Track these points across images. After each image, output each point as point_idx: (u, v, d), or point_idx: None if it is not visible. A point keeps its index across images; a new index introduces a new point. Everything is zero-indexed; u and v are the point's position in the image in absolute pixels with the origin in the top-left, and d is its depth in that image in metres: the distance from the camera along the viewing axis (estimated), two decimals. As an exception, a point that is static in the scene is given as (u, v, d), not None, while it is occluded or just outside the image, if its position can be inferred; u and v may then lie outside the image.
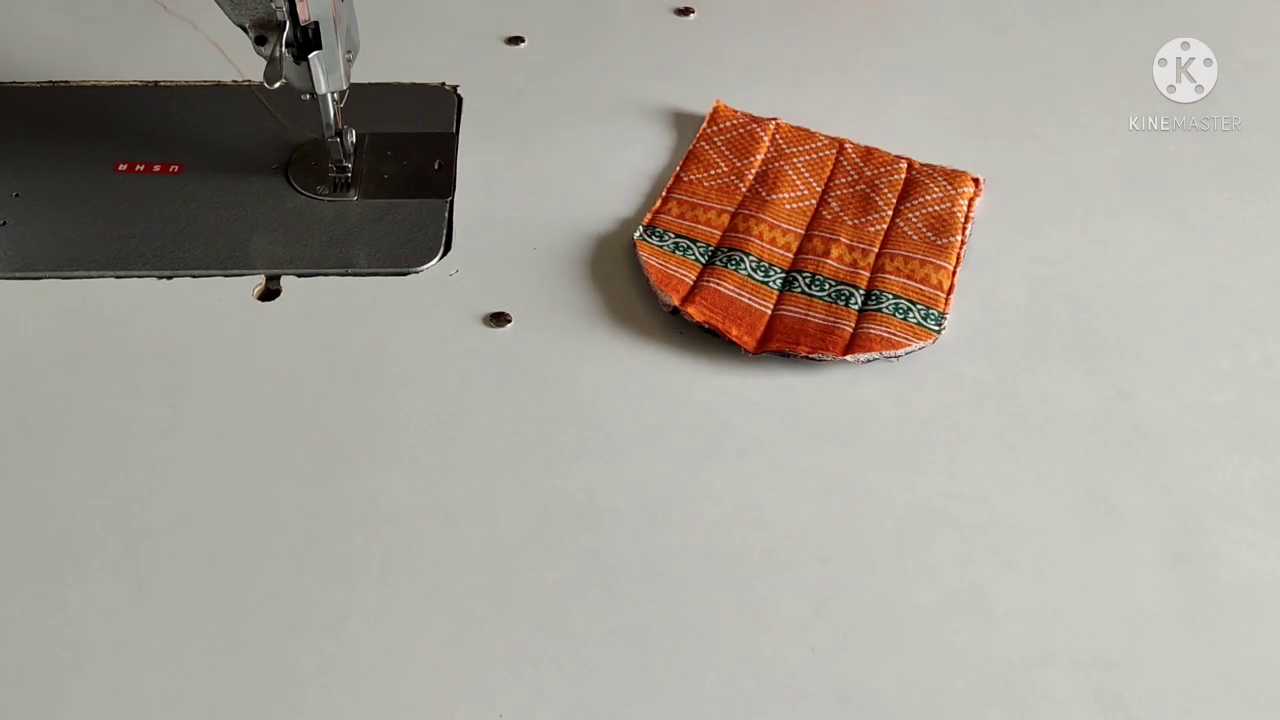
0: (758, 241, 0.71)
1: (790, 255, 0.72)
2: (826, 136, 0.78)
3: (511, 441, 0.62)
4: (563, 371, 0.65)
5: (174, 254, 0.70)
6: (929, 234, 0.72)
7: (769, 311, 0.68)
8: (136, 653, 0.53)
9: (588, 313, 0.68)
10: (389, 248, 0.71)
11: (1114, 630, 0.55)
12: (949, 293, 0.69)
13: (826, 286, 0.70)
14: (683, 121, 0.81)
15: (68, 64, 0.82)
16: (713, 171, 0.76)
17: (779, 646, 0.54)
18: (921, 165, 0.76)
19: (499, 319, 0.68)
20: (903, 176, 0.76)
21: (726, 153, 0.77)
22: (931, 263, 0.70)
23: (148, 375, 0.64)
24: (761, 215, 0.73)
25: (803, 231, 0.73)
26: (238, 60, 0.74)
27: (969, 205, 0.74)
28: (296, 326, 0.67)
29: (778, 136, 0.78)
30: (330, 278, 0.69)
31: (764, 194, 0.75)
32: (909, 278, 0.70)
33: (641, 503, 0.59)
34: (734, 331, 0.66)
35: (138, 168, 0.75)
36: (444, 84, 0.83)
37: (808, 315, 0.68)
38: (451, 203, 0.74)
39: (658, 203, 0.74)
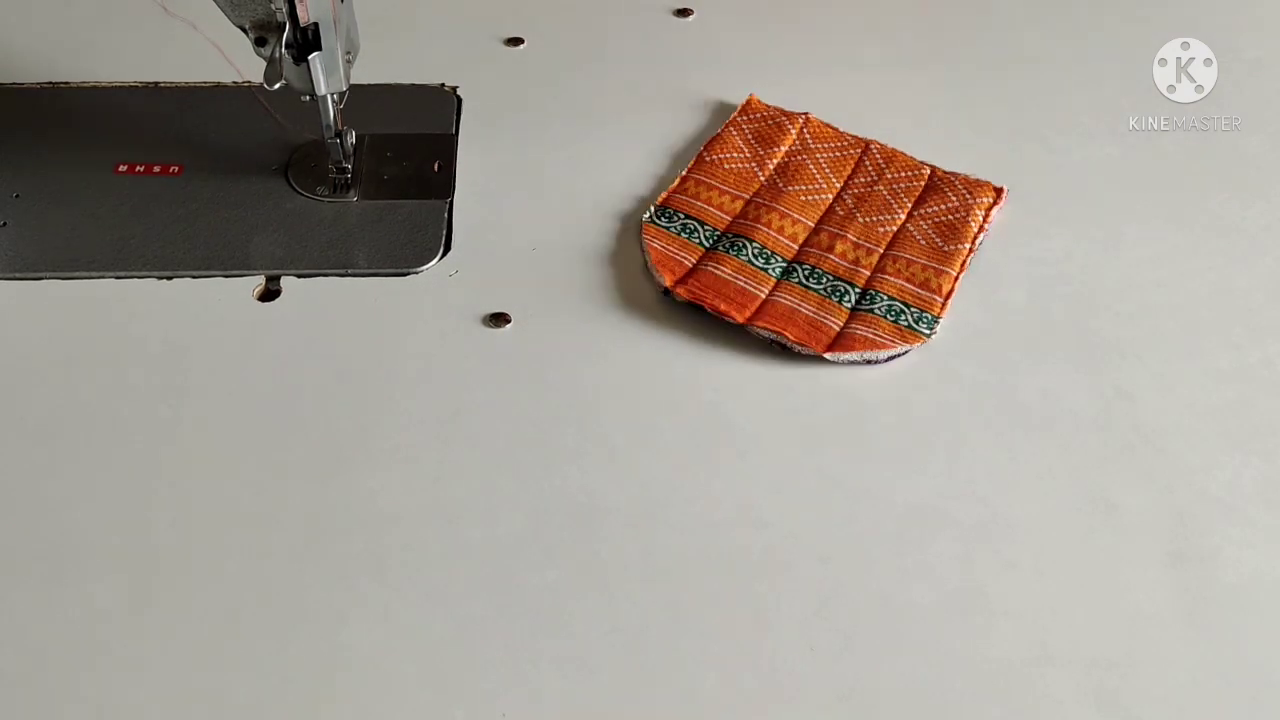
0: (765, 230, 0.72)
1: (795, 246, 0.72)
2: (854, 136, 0.79)
3: (511, 441, 0.62)
4: (562, 372, 0.65)
5: (174, 254, 0.70)
6: (937, 240, 0.72)
7: (763, 295, 0.68)
8: (136, 653, 0.53)
9: (587, 313, 0.68)
10: (389, 248, 0.71)
11: (1114, 630, 0.55)
12: (947, 297, 0.69)
13: (824, 280, 0.70)
14: (683, 122, 0.81)
15: (68, 64, 0.82)
16: (735, 156, 0.76)
17: (779, 646, 0.54)
18: (945, 173, 0.76)
19: (499, 319, 0.68)
20: (923, 183, 0.76)
21: (752, 141, 0.78)
22: (933, 267, 0.70)
23: (148, 375, 0.64)
24: (774, 204, 0.73)
25: (812, 224, 0.73)
26: (238, 61, 0.74)
27: (985, 215, 0.74)
28: (296, 327, 0.67)
29: (805, 131, 0.79)
30: (330, 278, 0.69)
31: (781, 184, 0.75)
32: (908, 280, 0.70)
33: (641, 503, 0.59)
34: (721, 306, 0.66)
35: (138, 168, 0.75)
36: (443, 85, 0.83)
37: (800, 306, 0.68)
38: (451, 203, 0.74)
39: (675, 182, 0.75)
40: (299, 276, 0.69)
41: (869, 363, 0.66)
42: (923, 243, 0.72)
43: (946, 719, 0.52)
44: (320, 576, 0.56)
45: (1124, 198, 0.77)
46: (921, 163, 0.77)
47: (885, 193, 0.75)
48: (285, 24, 0.65)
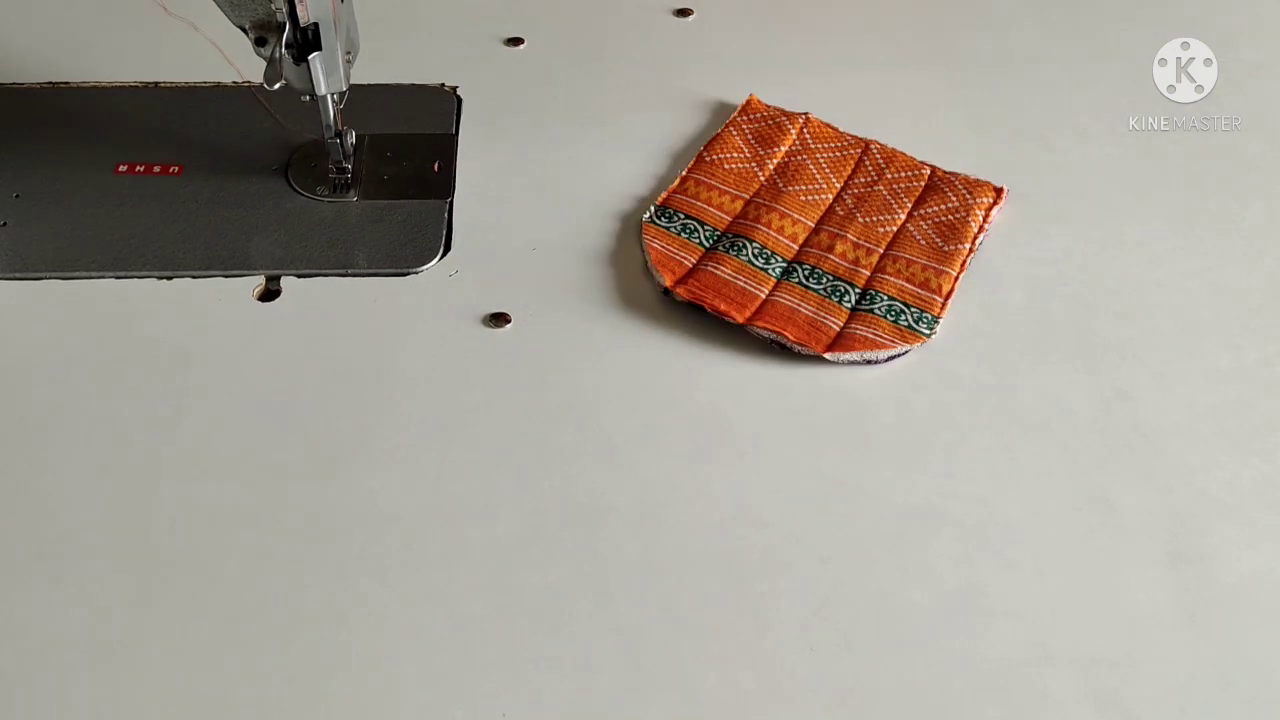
0: (765, 230, 0.72)
1: (795, 246, 0.72)
2: (854, 136, 0.79)
3: (511, 441, 0.62)
4: (562, 372, 0.65)
5: (174, 254, 0.70)
6: (937, 240, 0.72)
7: (763, 296, 0.68)
8: (137, 653, 0.53)
9: (587, 313, 0.68)
10: (389, 248, 0.71)
11: (1113, 630, 0.55)
12: (946, 297, 0.69)
13: (824, 280, 0.70)
14: (683, 122, 0.81)
15: (68, 64, 0.82)
16: (735, 155, 0.76)
17: (779, 646, 0.54)
18: (945, 173, 0.76)
19: (499, 319, 0.68)
20: (923, 183, 0.76)
21: (752, 141, 0.78)
22: (933, 268, 0.70)
23: (148, 375, 0.64)
24: (774, 204, 0.73)
25: (812, 224, 0.73)
26: (238, 61, 0.74)
27: (985, 215, 0.74)
28: (296, 327, 0.67)
29: (805, 131, 0.79)
30: (330, 278, 0.69)
31: (781, 184, 0.75)
32: (908, 280, 0.70)
33: (641, 503, 0.59)
34: (721, 306, 0.66)
35: (138, 168, 0.75)
36: (443, 85, 0.83)
37: (800, 306, 0.68)
38: (451, 203, 0.74)
39: (675, 182, 0.75)
40: (299, 276, 0.69)
41: (869, 363, 0.66)
42: (923, 243, 0.72)
43: (946, 719, 0.52)
44: (320, 577, 0.56)
45: (1124, 198, 0.77)
46: (921, 163, 0.77)
47: (885, 193, 0.75)
48: (285, 24, 0.64)
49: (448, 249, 0.72)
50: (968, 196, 0.74)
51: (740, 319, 0.67)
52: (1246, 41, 0.90)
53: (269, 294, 0.68)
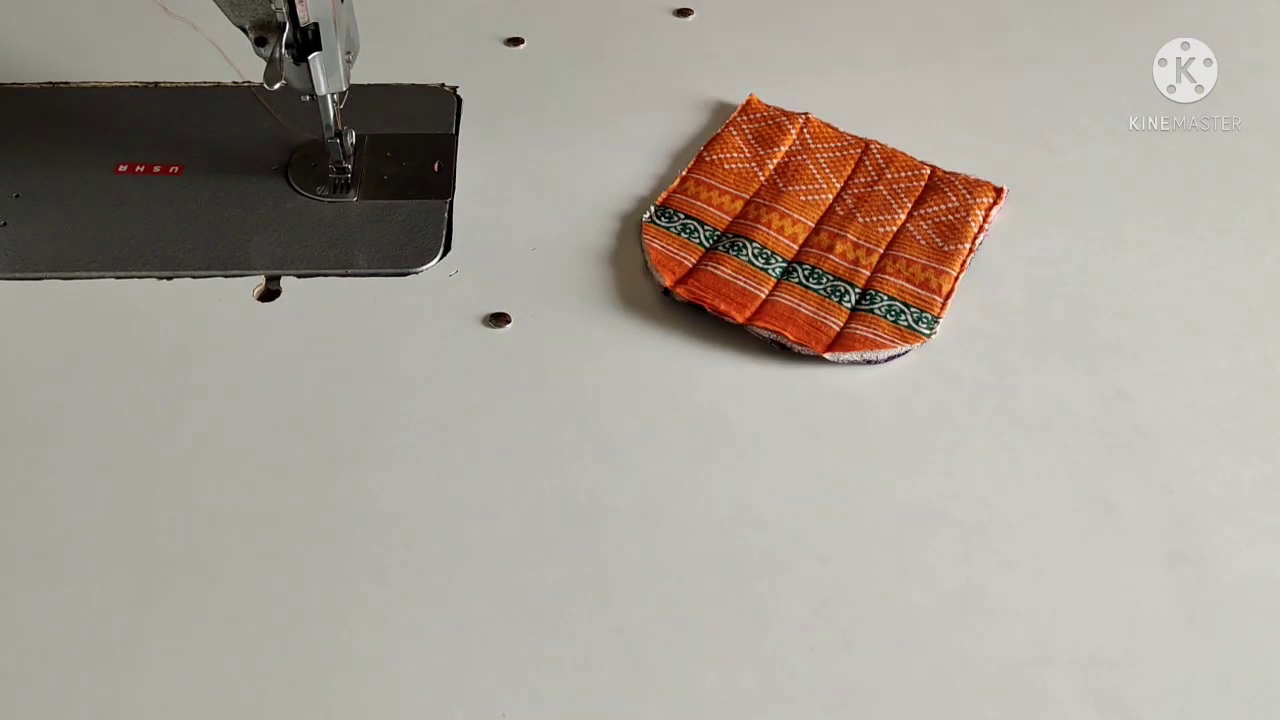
0: (765, 230, 0.72)
1: (795, 246, 0.72)
2: (854, 136, 0.79)
3: (511, 441, 0.62)
4: (562, 371, 0.65)
5: (174, 254, 0.70)
6: (937, 240, 0.72)
7: (763, 295, 0.68)
8: (137, 653, 0.53)
9: (587, 313, 0.68)
10: (389, 248, 0.71)
11: (1112, 630, 0.55)
12: (947, 297, 0.69)
13: (824, 280, 0.70)
14: (683, 122, 0.81)
15: (68, 64, 0.82)
16: (735, 155, 0.76)
17: (779, 646, 0.54)
18: (945, 173, 0.76)
19: (499, 319, 0.68)
20: (923, 183, 0.76)
21: (752, 141, 0.78)
22: (934, 268, 0.70)
23: (148, 375, 0.64)
24: (774, 204, 0.73)
25: (812, 224, 0.73)
26: (238, 61, 0.74)
27: (985, 215, 0.74)
28: (296, 327, 0.67)
29: (805, 131, 0.79)
30: (330, 278, 0.69)
31: (781, 184, 0.75)
32: (908, 280, 0.70)
33: (641, 503, 0.59)
34: (721, 306, 0.66)
35: (138, 168, 0.75)
36: (443, 85, 0.83)
37: (800, 306, 0.68)
38: (451, 203, 0.74)
39: (675, 182, 0.75)
40: (299, 276, 0.69)
41: (869, 363, 0.66)
42: (923, 243, 0.72)
43: (946, 719, 0.52)
44: (320, 577, 0.56)
45: (1124, 198, 0.77)
46: (921, 163, 0.77)
47: (885, 193, 0.75)
48: (285, 24, 0.64)
49: (448, 249, 0.72)
50: (968, 196, 0.74)
51: (740, 319, 0.67)
52: (1246, 41, 0.90)
53: (269, 294, 0.68)
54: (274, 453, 0.61)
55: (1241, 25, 0.91)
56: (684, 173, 0.76)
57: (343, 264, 0.70)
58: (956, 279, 0.70)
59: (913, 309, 0.68)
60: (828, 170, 0.76)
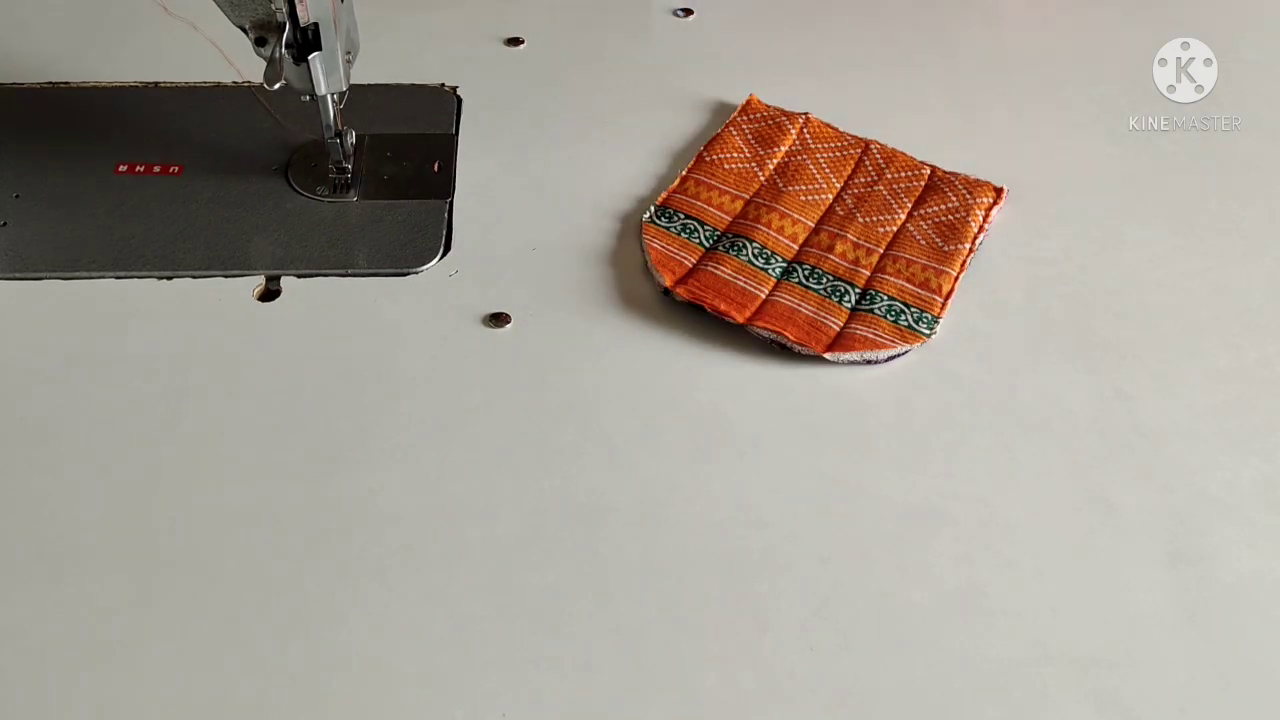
0: (765, 230, 0.72)
1: (795, 246, 0.72)
2: (854, 136, 0.79)
3: (511, 441, 0.62)
4: (562, 371, 0.65)
5: (174, 254, 0.70)
6: (937, 240, 0.72)
7: (763, 295, 0.69)
8: (137, 653, 0.53)
9: (587, 313, 0.68)
10: (389, 248, 0.71)
11: (1112, 630, 0.55)
12: (946, 297, 0.69)
13: (824, 280, 0.70)
14: (683, 122, 0.81)
15: (68, 64, 0.82)
16: (735, 155, 0.76)
17: (779, 646, 0.54)
18: (945, 173, 0.76)
19: (499, 319, 0.68)
20: (923, 183, 0.76)
21: (752, 141, 0.78)
22: (934, 268, 0.70)
23: (148, 375, 0.64)
24: (774, 204, 0.73)
25: (812, 224, 0.73)
26: (238, 61, 0.74)
27: (985, 215, 0.74)
28: (296, 327, 0.67)
29: (805, 131, 0.79)
30: (330, 278, 0.69)
31: (781, 184, 0.75)
32: (908, 280, 0.70)
33: (641, 503, 0.59)
34: (721, 306, 0.66)
35: (138, 168, 0.75)
36: (443, 85, 0.83)
37: (800, 306, 0.68)
38: (451, 203, 0.74)
39: (675, 182, 0.75)
40: (299, 276, 0.69)
41: (869, 363, 0.66)
42: (923, 243, 0.72)
43: (946, 719, 0.52)
44: (320, 577, 0.56)
45: (1124, 198, 0.77)
46: (921, 163, 0.77)
47: (885, 193, 0.75)
48: (285, 24, 0.65)
49: (448, 249, 0.72)
50: (968, 196, 0.74)
51: (740, 319, 0.67)
52: (1246, 41, 0.90)
53: (269, 294, 0.68)
54: (274, 453, 0.61)
55: (1241, 25, 0.91)
56: (684, 173, 0.76)
57: (343, 264, 0.70)
58: (956, 279, 0.70)
59: (913, 309, 0.68)
60: (828, 170, 0.76)
